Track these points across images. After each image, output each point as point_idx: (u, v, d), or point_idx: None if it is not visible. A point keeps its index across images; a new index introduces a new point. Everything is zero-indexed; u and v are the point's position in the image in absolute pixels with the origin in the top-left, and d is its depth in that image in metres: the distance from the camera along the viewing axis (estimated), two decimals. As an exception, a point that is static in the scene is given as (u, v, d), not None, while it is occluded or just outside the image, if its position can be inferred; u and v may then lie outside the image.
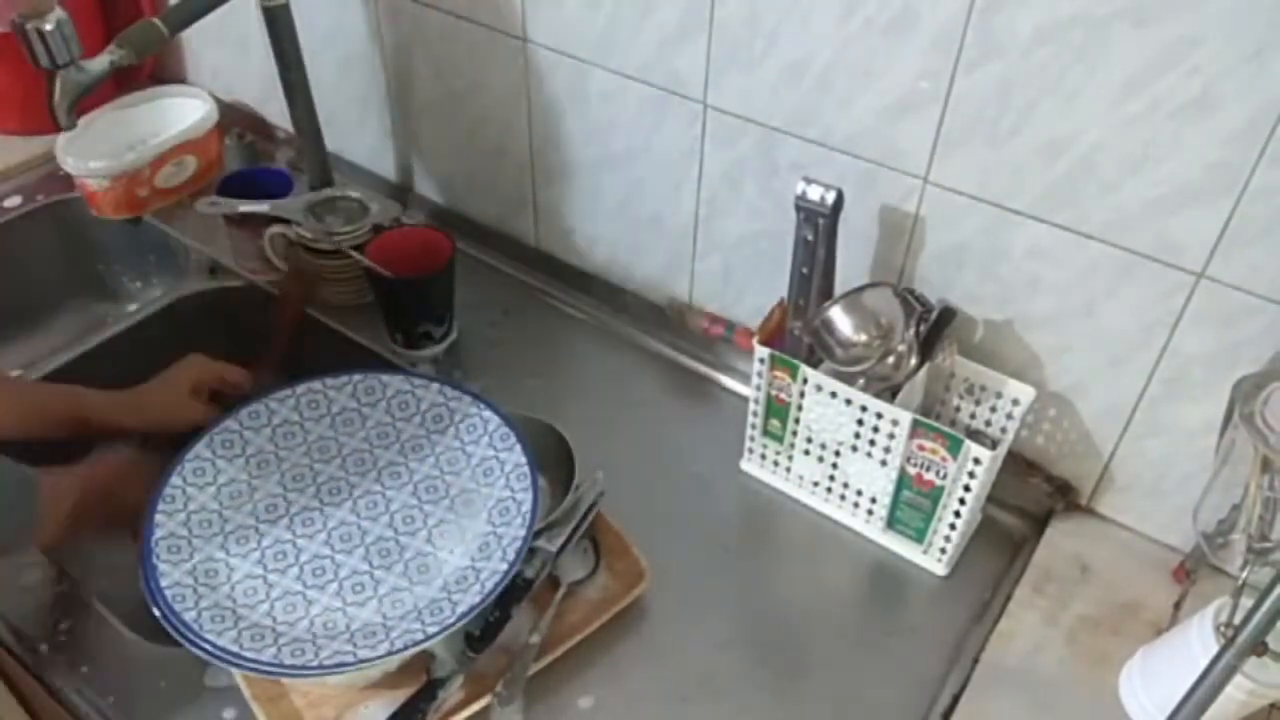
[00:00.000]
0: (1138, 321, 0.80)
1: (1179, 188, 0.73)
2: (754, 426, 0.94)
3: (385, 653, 0.72)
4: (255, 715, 0.76)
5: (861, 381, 0.84)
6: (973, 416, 0.89)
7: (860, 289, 0.85)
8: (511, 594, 0.80)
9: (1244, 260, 0.73)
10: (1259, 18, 0.65)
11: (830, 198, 0.79)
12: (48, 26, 0.82)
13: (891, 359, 0.85)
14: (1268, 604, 0.55)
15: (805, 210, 0.80)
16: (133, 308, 1.27)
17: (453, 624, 0.73)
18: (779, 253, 0.93)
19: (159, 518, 0.80)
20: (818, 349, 0.85)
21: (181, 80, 1.42)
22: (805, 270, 0.83)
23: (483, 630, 0.79)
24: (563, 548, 0.83)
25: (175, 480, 0.83)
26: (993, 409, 0.88)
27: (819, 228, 0.80)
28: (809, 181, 0.79)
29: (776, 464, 0.95)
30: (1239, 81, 0.67)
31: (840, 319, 0.84)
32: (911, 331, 0.82)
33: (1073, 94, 0.73)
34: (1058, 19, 0.71)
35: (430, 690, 0.76)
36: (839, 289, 0.86)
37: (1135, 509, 0.89)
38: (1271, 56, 0.65)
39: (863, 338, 0.83)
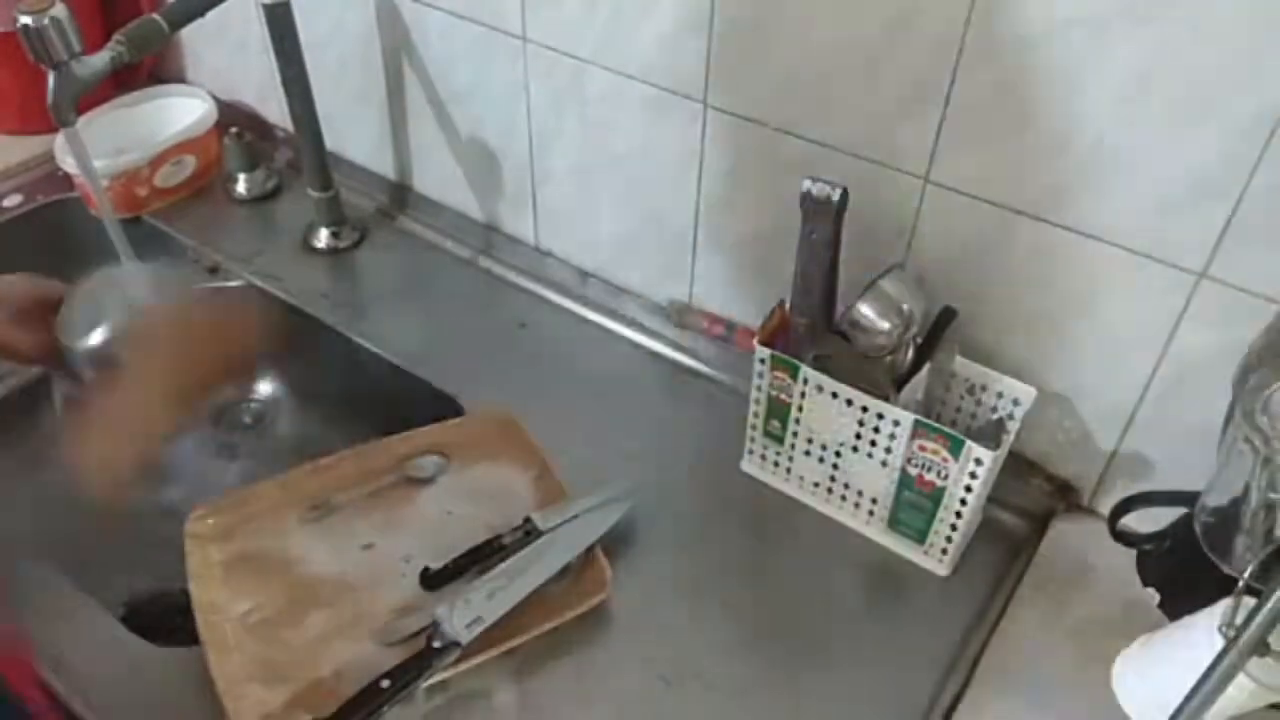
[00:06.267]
0: (1139, 321, 0.80)
1: (1179, 187, 0.73)
2: (754, 427, 0.93)
3: None
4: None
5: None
6: (973, 416, 0.89)
7: (880, 276, 0.83)
8: (481, 549, 0.85)
9: (1245, 260, 0.73)
10: (1259, 17, 0.65)
11: (836, 195, 0.78)
12: (48, 21, 0.82)
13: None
14: (1270, 604, 0.54)
15: (810, 208, 0.80)
16: (131, 307, 1.26)
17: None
18: (779, 252, 0.93)
19: None
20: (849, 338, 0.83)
21: (181, 79, 1.41)
22: (809, 269, 0.83)
23: (441, 569, 0.83)
24: (554, 529, 0.85)
25: None
26: (994, 409, 0.88)
27: (824, 226, 0.80)
28: (814, 180, 0.79)
29: (777, 465, 0.94)
30: (1239, 81, 0.67)
31: (868, 309, 0.82)
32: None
33: (1073, 93, 0.73)
34: (1058, 18, 0.71)
35: (425, 659, 0.76)
36: (841, 288, 0.86)
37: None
38: (1271, 56, 0.65)
39: (885, 326, 0.82)
